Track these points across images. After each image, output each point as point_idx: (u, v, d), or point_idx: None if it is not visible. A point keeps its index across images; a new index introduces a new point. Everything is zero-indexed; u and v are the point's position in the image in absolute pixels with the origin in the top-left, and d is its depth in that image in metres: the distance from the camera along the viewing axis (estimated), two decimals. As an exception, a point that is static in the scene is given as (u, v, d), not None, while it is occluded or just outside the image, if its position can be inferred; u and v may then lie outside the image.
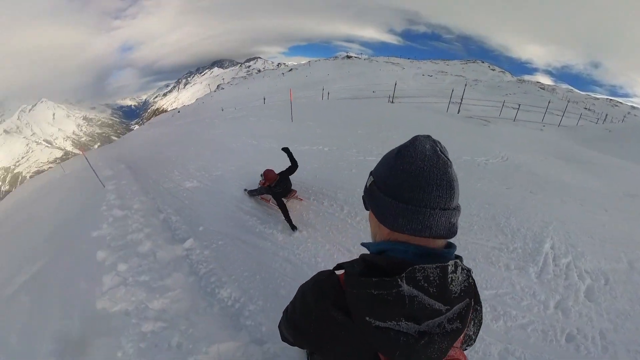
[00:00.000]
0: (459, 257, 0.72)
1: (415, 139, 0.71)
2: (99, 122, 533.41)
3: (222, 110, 33.37)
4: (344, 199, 5.46)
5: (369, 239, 0.84)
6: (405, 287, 0.63)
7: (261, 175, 4.96)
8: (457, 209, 0.70)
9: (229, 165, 8.13)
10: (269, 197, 5.26)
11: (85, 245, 4.88)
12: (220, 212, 5.73)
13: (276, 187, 4.61)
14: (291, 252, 4.14)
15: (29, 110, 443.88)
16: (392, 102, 22.97)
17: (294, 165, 4.67)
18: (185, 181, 7.77)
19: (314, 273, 0.87)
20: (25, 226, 8.85)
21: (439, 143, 0.70)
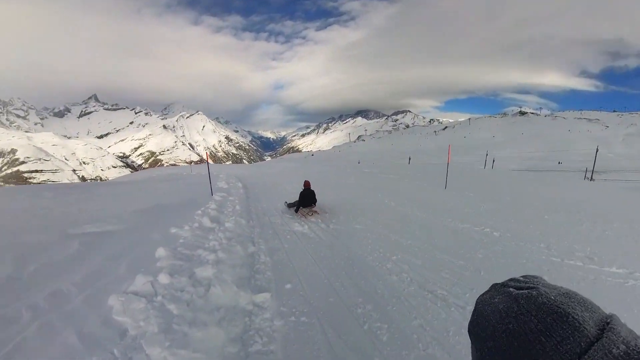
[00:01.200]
0: None
1: (477, 302, 0.69)
2: (237, 145, 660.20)
3: (359, 162, 34.69)
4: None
5: None
6: None
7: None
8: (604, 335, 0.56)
9: (354, 223, 8.11)
10: (304, 211, 8.97)
11: (158, 236, 5.59)
12: (323, 277, 4.99)
13: (305, 192, 8.98)
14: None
15: (186, 117, 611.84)
16: (592, 179, 18.41)
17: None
18: (295, 223, 8.32)
19: None
20: (137, 194, 11.36)
21: (515, 281, 0.66)
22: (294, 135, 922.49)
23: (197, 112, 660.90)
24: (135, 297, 3.30)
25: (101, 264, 4.23)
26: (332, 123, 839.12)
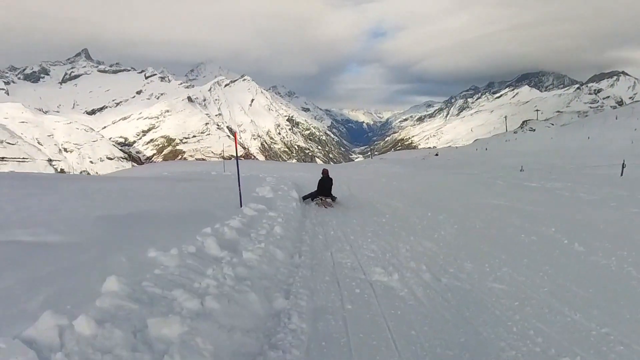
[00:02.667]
0: None
1: None
2: (307, 132, 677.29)
3: (522, 170, 33.78)
4: None
5: None
6: None
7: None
8: None
9: (490, 277, 7.82)
10: (319, 201, 16.82)
11: (123, 259, 6.16)
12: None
13: (324, 181, 17.18)
14: None
15: (225, 85, 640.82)
16: None
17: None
18: (377, 267, 8.28)
19: None
20: (117, 195, 12.79)
21: None
22: (405, 119, 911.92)
23: (243, 77, 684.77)
24: (21, 346, 3.47)
25: (6, 290, 4.63)
26: (474, 97, 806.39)
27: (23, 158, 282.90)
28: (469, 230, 11.45)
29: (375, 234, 11.36)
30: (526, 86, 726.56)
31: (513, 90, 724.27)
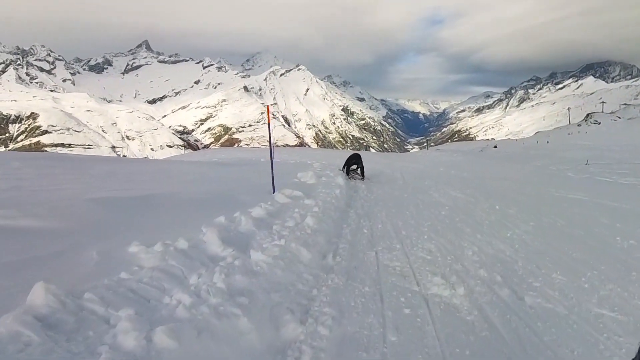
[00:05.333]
0: None
1: None
2: (362, 122, 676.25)
3: (587, 163, 32.34)
4: None
5: None
6: None
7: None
8: None
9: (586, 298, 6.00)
10: (353, 175, 21.12)
11: (93, 255, 5.57)
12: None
13: (349, 159, 22.03)
14: None
15: (280, 75, 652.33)
16: None
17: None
18: (436, 277, 6.71)
19: None
20: (138, 176, 11.25)
21: None
22: (463, 110, 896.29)
23: (298, 66, 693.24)
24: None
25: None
26: (535, 88, 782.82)
27: (88, 145, 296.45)
28: (548, 228, 9.65)
29: (433, 229, 9.65)
30: (591, 77, 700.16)
31: (577, 81, 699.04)
